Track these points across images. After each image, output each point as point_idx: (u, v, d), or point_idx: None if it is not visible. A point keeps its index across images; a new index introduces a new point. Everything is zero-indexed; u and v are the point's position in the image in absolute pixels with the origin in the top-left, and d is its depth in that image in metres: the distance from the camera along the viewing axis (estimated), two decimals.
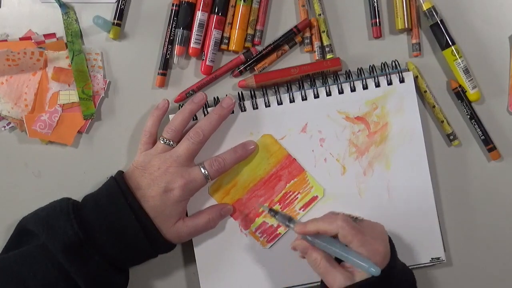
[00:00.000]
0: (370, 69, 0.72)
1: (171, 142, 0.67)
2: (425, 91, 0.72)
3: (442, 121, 0.72)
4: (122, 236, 0.64)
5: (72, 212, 0.64)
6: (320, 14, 0.73)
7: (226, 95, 0.71)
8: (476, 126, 0.72)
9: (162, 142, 0.68)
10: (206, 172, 0.67)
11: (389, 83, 0.71)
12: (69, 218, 0.63)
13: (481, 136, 0.72)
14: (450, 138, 0.73)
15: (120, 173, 0.68)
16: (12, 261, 0.64)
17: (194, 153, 0.68)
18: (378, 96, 0.72)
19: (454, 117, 0.73)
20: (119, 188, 0.65)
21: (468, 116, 0.72)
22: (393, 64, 0.72)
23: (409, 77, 0.71)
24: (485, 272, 0.73)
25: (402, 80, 0.71)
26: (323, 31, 0.73)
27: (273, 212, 0.67)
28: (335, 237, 0.61)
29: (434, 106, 0.72)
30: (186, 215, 0.70)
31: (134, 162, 0.68)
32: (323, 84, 0.72)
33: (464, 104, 0.72)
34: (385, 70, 0.72)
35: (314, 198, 0.71)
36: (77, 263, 0.63)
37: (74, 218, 0.63)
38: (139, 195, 0.65)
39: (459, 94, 0.72)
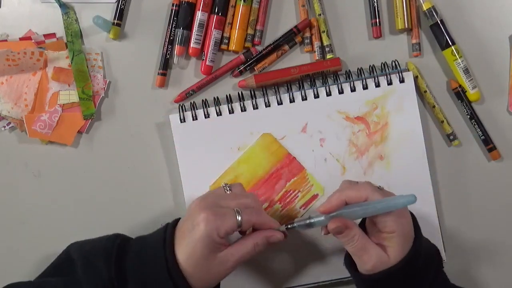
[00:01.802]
0: (370, 69, 0.72)
1: (229, 190, 0.63)
2: (425, 91, 0.72)
3: (442, 121, 0.72)
4: None
5: (115, 256, 0.60)
6: (320, 14, 0.73)
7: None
8: (476, 126, 0.72)
9: (223, 186, 0.64)
10: (240, 218, 0.58)
11: (389, 83, 0.71)
12: (109, 263, 0.59)
13: (481, 136, 0.72)
14: (450, 138, 0.73)
15: (174, 222, 0.62)
16: None
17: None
18: (378, 96, 0.72)
19: (454, 117, 0.73)
20: (163, 241, 0.59)
21: (468, 116, 0.72)
22: (393, 64, 0.72)
23: (409, 77, 0.71)
24: (486, 272, 0.73)
25: (402, 80, 0.71)
26: (323, 31, 0.73)
27: (291, 226, 0.63)
28: None
29: (434, 106, 0.72)
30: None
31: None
32: (323, 84, 0.72)
33: (464, 104, 0.72)
34: (385, 70, 0.72)
35: (314, 197, 0.71)
36: None
37: (114, 263, 0.59)
38: (178, 235, 0.59)
39: (459, 94, 0.72)
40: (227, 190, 0.63)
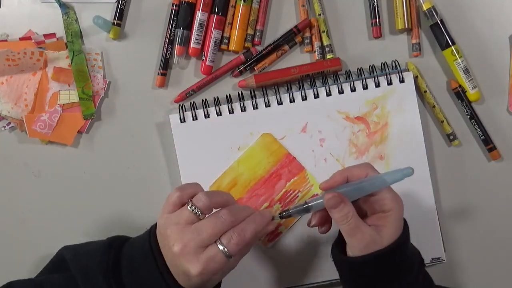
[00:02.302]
0: (370, 69, 0.72)
1: (200, 214, 0.57)
2: (425, 91, 0.72)
3: (442, 121, 0.72)
4: None
5: (111, 271, 0.59)
6: (320, 14, 0.73)
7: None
8: (476, 126, 0.72)
9: (189, 209, 0.57)
10: (226, 249, 0.55)
11: (389, 83, 0.71)
12: (108, 277, 0.58)
13: (481, 136, 0.72)
14: (450, 138, 0.73)
15: (155, 229, 0.60)
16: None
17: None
18: (378, 96, 0.72)
19: (454, 117, 0.73)
20: (151, 252, 0.58)
21: (468, 116, 0.72)
22: (393, 64, 0.72)
23: (409, 77, 0.71)
24: (486, 272, 0.73)
25: (402, 80, 0.71)
26: (323, 31, 0.73)
27: (286, 213, 0.62)
28: None
29: (434, 106, 0.72)
30: None
31: (158, 220, 0.59)
32: (323, 84, 0.72)
33: (464, 104, 0.72)
34: (385, 70, 0.72)
35: (314, 197, 0.71)
36: None
37: (112, 278, 0.58)
38: (168, 264, 0.58)
39: (459, 94, 0.72)
40: (197, 213, 0.57)
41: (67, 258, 0.63)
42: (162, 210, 0.58)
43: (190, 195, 0.58)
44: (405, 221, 0.61)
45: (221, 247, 0.55)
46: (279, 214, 0.62)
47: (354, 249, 0.59)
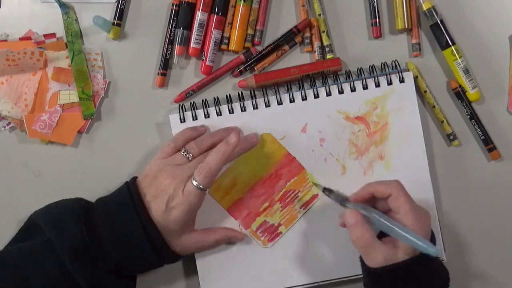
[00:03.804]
0: (370, 69, 0.72)
1: (191, 158, 0.67)
2: (425, 91, 0.72)
3: (442, 121, 0.72)
4: (127, 245, 0.64)
5: (82, 216, 0.64)
6: (320, 14, 0.73)
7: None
8: (476, 126, 0.72)
9: (182, 153, 0.67)
10: (197, 182, 0.64)
11: (389, 83, 0.71)
12: (79, 222, 0.63)
13: (481, 136, 0.72)
14: (450, 138, 0.73)
15: (133, 180, 0.68)
16: (17, 255, 0.64)
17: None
18: (378, 96, 0.72)
19: (454, 117, 0.73)
20: (130, 196, 0.65)
21: (468, 116, 0.72)
22: (393, 64, 0.72)
23: (409, 77, 0.71)
24: (486, 272, 0.73)
25: (402, 80, 0.71)
26: (323, 31, 0.73)
27: (328, 191, 0.65)
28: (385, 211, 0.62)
29: (434, 106, 0.72)
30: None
31: (148, 167, 0.68)
32: (323, 84, 0.72)
33: (464, 104, 0.72)
34: (385, 70, 0.72)
35: (314, 197, 0.71)
36: (81, 266, 0.62)
37: (84, 222, 0.63)
38: (146, 204, 0.65)
39: (459, 94, 0.72)
40: (189, 158, 0.67)
41: (38, 213, 0.67)
42: (154, 158, 0.68)
43: (183, 144, 0.68)
44: (432, 234, 0.62)
45: (194, 183, 0.64)
46: (323, 187, 0.66)
47: (368, 264, 0.60)
